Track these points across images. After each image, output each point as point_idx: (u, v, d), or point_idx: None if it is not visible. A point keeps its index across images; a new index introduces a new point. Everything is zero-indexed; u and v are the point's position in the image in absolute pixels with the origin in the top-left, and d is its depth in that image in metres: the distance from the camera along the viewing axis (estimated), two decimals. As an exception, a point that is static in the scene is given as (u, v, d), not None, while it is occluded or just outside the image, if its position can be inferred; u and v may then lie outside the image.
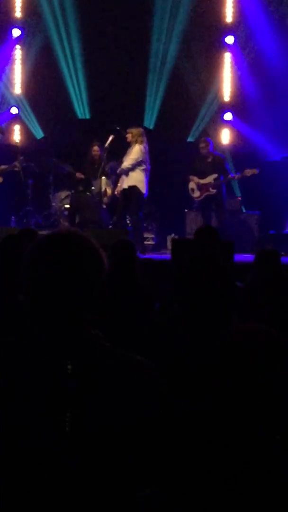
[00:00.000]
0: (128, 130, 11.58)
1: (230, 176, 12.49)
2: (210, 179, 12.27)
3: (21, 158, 12.38)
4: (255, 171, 12.04)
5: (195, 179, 12.40)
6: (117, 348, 2.05)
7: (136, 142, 11.46)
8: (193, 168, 12.45)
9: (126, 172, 11.47)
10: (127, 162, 11.46)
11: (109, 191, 12.35)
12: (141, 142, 11.46)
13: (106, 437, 1.94)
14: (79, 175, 12.70)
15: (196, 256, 3.32)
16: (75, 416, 1.93)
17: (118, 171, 11.68)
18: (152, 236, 13.19)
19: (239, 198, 13.42)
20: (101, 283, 2.03)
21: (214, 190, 12.26)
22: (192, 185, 12.49)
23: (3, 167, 12.12)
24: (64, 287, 1.97)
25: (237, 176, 12.34)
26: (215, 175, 12.24)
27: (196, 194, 12.45)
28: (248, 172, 12.06)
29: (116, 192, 11.91)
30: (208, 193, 12.29)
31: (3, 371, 2.00)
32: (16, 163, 12.25)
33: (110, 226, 12.12)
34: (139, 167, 11.42)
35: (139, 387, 2.01)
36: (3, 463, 1.94)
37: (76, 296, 1.98)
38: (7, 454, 1.94)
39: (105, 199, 12.40)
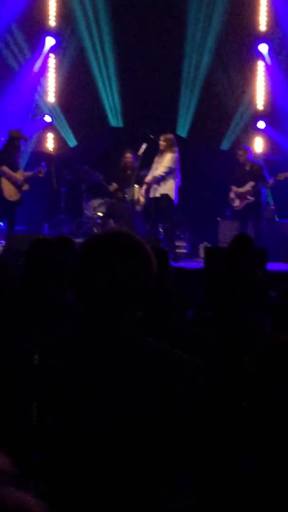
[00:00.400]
0: (161, 137, 11.58)
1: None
2: (248, 187, 12.22)
3: (43, 163, 12.04)
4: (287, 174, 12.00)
5: (234, 188, 12.37)
6: (160, 344, 2.11)
7: (168, 150, 11.47)
8: (234, 177, 12.42)
9: (158, 180, 11.48)
10: (159, 170, 11.47)
11: (142, 199, 12.35)
12: (174, 151, 11.48)
13: (140, 430, 1.94)
14: (113, 187, 12.75)
15: (231, 266, 3.29)
16: (102, 408, 1.94)
17: (149, 179, 11.65)
18: (185, 244, 13.15)
19: (272, 207, 13.34)
20: (148, 278, 2.12)
21: (253, 198, 12.20)
22: (231, 194, 12.46)
23: (27, 173, 11.92)
24: (112, 281, 2.05)
25: (271, 181, 12.25)
26: (252, 183, 12.18)
27: (236, 203, 12.40)
28: (281, 175, 12.00)
29: (141, 196, 12.03)
30: (247, 201, 12.23)
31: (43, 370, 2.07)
32: (40, 169, 11.91)
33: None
34: (170, 176, 11.44)
35: (177, 382, 2.01)
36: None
37: (123, 289, 2.07)
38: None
39: (138, 207, 12.41)
